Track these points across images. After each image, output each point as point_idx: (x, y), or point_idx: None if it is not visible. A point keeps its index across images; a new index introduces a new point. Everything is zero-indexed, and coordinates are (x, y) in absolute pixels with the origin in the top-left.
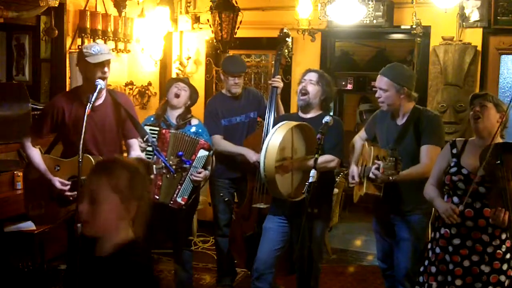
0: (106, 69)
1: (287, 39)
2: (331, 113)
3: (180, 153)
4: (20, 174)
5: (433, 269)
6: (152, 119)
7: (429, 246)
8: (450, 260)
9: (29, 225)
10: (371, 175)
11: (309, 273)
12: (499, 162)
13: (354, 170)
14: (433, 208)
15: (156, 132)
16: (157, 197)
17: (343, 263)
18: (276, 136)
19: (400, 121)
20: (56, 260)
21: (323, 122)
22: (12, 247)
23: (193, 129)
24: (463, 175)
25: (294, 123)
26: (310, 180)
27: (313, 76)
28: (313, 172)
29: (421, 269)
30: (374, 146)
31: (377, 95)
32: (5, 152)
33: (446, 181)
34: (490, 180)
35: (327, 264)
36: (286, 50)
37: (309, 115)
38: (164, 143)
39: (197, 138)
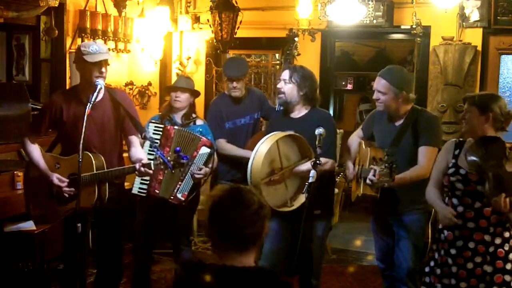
0: (103, 69)
1: (295, 39)
2: (330, 111)
3: (178, 148)
4: (20, 174)
5: (438, 271)
6: (157, 118)
7: (434, 247)
8: (453, 263)
9: (29, 225)
10: (367, 181)
11: (310, 273)
12: (485, 153)
13: (350, 166)
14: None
15: (161, 128)
16: (157, 192)
17: (343, 263)
18: (259, 153)
19: (398, 122)
20: (56, 260)
21: (316, 134)
22: (12, 247)
23: (198, 130)
24: (461, 175)
25: (278, 136)
26: (309, 181)
27: (285, 75)
28: (312, 173)
29: (427, 269)
30: (371, 147)
31: (374, 96)
32: (5, 152)
33: (445, 182)
34: (482, 176)
35: (327, 264)
36: (295, 51)
37: (297, 114)
38: (168, 139)
39: (200, 136)
